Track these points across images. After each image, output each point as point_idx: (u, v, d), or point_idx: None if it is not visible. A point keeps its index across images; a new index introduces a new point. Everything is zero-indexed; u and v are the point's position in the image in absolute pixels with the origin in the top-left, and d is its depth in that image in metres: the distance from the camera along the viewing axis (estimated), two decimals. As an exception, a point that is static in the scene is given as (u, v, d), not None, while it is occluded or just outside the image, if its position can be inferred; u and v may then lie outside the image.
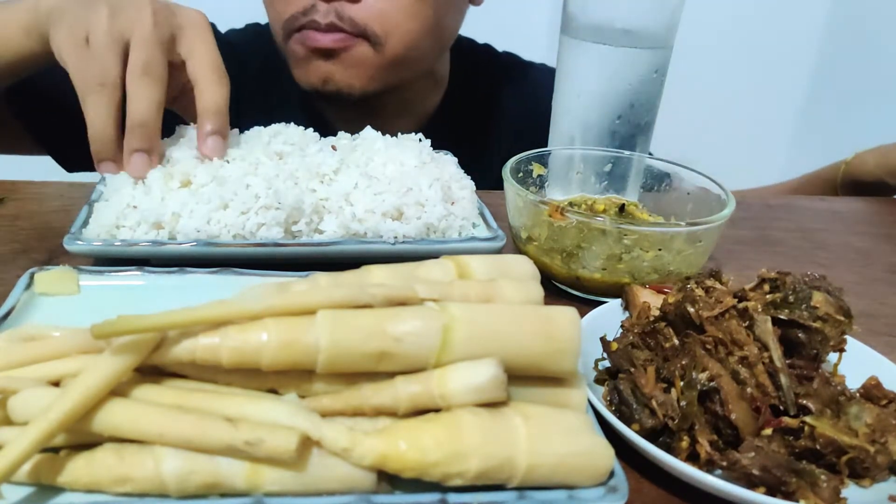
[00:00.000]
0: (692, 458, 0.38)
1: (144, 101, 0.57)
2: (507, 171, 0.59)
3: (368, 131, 0.67)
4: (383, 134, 0.66)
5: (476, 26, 0.95)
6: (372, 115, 0.73)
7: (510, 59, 1.04)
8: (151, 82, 0.57)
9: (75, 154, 0.73)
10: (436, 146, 0.68)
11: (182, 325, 0.33)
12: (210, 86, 0.59)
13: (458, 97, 0.97)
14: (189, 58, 0.59)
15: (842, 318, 0.42)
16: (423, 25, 0.81)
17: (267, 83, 0.67)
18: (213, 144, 0.58)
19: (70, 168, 0.90)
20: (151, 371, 0.34)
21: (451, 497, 0.33)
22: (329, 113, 0.92)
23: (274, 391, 0.35)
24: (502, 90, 0.99)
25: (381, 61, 0.81)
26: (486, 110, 0.98)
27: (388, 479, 0.33)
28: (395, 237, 0.55)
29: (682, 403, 0.38)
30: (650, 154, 0.70)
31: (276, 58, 0.88)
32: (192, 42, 0.60)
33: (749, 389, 0.39)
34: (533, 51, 1.07)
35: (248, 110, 0.74)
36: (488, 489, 0.33)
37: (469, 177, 0.65)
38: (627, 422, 0.39)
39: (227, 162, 0.59)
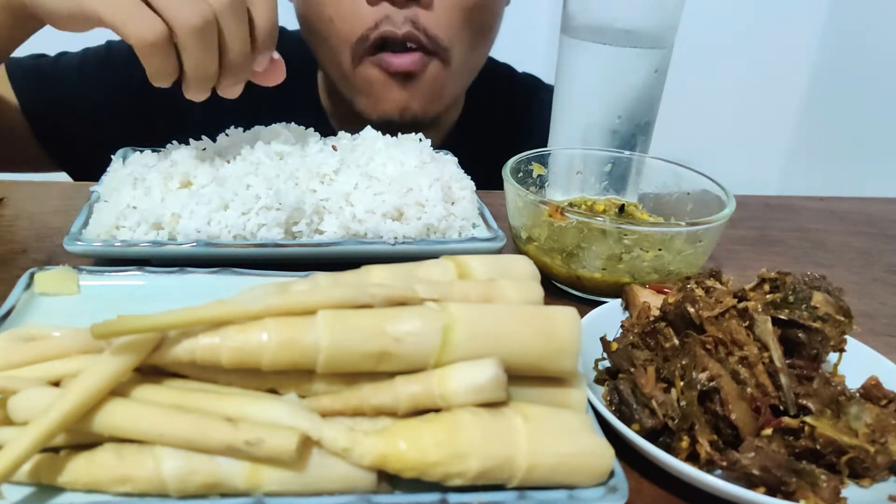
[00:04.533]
0: (692, 458, 0.38)
1: (239, 41, 0.53)
2: (507, 171, 0.59)
3: (368, 131, 0.67)
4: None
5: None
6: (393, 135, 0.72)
7: (530, 81, 1.03)
8: (240, 15, 0.53)
9: (83, 166, 0.72)
10: None
11: (182, 325, 0.33)
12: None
13: (476, 117, 0.95)
14: None
15: (842, 318, 0.42)
16: (478, 30, 0.80)
17: (280, 90, 0.64)
18: (266, 59, 0.57)
19: (77, 177, 0.89)
20: (151, 371, 0.34)
21: (451, 497, 0.33)
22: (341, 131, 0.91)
23: (274, 391, 0.35)
24: (520, 111, 0.98)
25: (448, 77, 0.79)
26: (504, 129, 0.97)
27: (388, 479, 0.33)
28: (395, 237, 0.55)
29: (682, 403, 0.38)
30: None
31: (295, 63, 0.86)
32: None
33: (749, 389, 0.39)
34: (533, 51, 1.07)
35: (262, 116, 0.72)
36: (488, 489, 0.33)
37: (469, 177, 0.65)
38: (627, 422, 0.39)
39: (228, 162, 0.59)
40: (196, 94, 0.54)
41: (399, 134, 0.68)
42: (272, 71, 0.59)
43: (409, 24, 0.74)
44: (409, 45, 0.75)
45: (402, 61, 0.76)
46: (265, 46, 0.56)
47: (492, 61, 1.00)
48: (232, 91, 0.56)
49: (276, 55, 0.58)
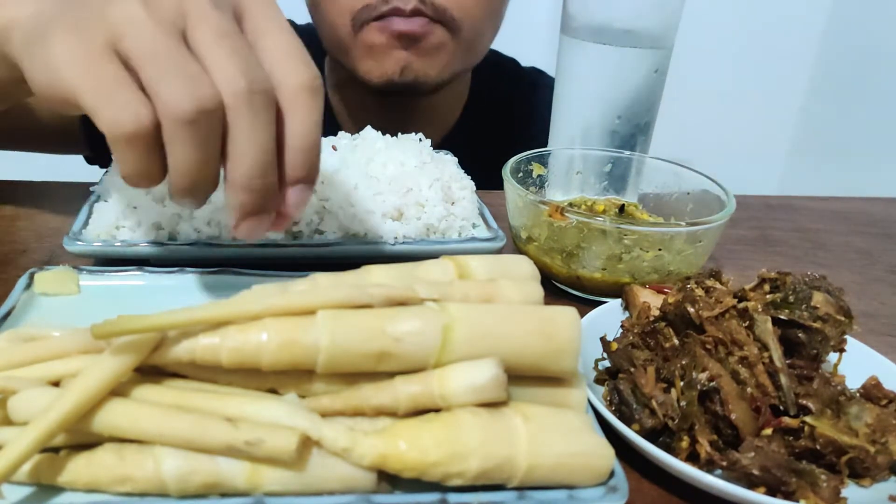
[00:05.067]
0: (692, 458, 0.38)
1: (255, 147, 0.36)
2: (507, 171, 0.59)
3: (368, 131, 0.67)
4: None
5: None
6: (400, 125, 0.72)
7: (533, 74, 1.04)
8: (261, 110, 0.36)
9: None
10: (457, 155, 0.69)
11: (182, 325, 0.33)
12: (298, 102, 0.38)
13: (479, 111, 0.96)
14: (257, 47, 0.38)
15: (842, 318, 0.42)
16: (489, 8, 0.81)
17: None
18: (296, 197, 0.39)
19: (102, 164, 0.90)
20: (151, 371, 0.34)
21: (451, 497, 0.33)
22: (350, 126, 0.91)
23: (274, 391, 0.35)
24: (522, 104, 0.99)
25: (455, 48, 0.80)
26: (505, 125, 0.97)
27: (388, 479, 0.33)
28: (395, 237, 0.55)
29: (682, 403, 0.38)
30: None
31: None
32: (258, 24, 0.39)
33: (749, 389, 0.39)
34: (533, 51, 1.07)
35: None
36: (488, 489, 0.33)
37: (469, 177, 0.65)
38: (627, 422, 0.39)
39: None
40: (182, 201, 0.38)
41: (401, 137, 0.68)
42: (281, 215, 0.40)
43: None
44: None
45: (407, 23, 0.76)
46: (297, 173, 0.38)
47: (497, 55, 1.00)
48: (247, 229, 0.39)
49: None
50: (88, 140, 0.88)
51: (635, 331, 0.45)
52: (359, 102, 0.88)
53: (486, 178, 0.67)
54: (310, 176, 0.39)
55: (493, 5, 0.82)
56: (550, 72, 0.80)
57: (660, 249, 0.53)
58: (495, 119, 0.96)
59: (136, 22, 0.35)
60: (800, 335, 0.41)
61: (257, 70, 0.36)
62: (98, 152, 0.90)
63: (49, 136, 0.84)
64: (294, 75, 0.38)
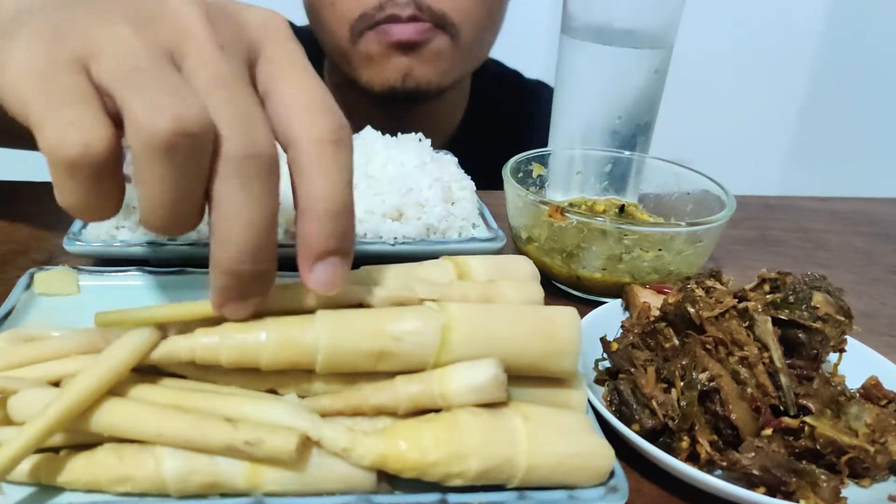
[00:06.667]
0: (692, 458, 0.38)
1: (257, 208, 0.31)
2: (507, 172, 0.59)
3: (368, 131, 0.67)
4: None
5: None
6: (398, 132, 0.72)
7: (537, 88, 1.04)
8: (259, 170, 0.30)
9: None
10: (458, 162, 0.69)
11: (183, 317, 0.33)
12: (320, 157, 0.32)
13: (479, 119, 0.97)
14: (272, 96, 0.33)
15: (842, 319, 0.42)
16: (488, 11, 0.82)
17: None
18: (326, 274, 0.33)
19: None
20: (150, 371, 0.34)
21: (451, 497, 0.33)
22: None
23: (274, 391, 0.35)
24: (525, 115, 0.99)
25: (456, 52, 0.81)
26: (507, 132, 0.98)
27: (388, 479, 0.33)
28: (395, 238, 0.55)
29: (683, 403, 0.38)
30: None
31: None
32: (276, 68, 0.34)
33: (749, 389, 0.39)
34: (533, 52, 1.07)
35: None
36: (488, 489, 0.33)
37: (469, 177, 0.65)
38: (627, 422, 0.39)
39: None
40: (154, 233, 0.32)
41: (400, 134, 0.68)
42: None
43: (413, 6, 0.76)
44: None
45: (404, 30, 0.76)
46: (326, 244, 0.33)
47: (500, 66, 1.00)
48: (229, 313, 0.33)
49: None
50: None
51: (635, 331, 0.45)
52: (358, 105, 0.88)
53: (486, 184, 0.67)
54: (343, 246, 0.33)
55: (492, 7, 0.83)
56: (550, 73, 0.81)
57: (660, 249, 0.53)
58: (495, 129, 0.96)
59: (121, 42, 0.29)
60: (800, 335, 0.41)
61: (256, 128, 0.30)
62: None
63: None
64: (314, 127, 0.32)
